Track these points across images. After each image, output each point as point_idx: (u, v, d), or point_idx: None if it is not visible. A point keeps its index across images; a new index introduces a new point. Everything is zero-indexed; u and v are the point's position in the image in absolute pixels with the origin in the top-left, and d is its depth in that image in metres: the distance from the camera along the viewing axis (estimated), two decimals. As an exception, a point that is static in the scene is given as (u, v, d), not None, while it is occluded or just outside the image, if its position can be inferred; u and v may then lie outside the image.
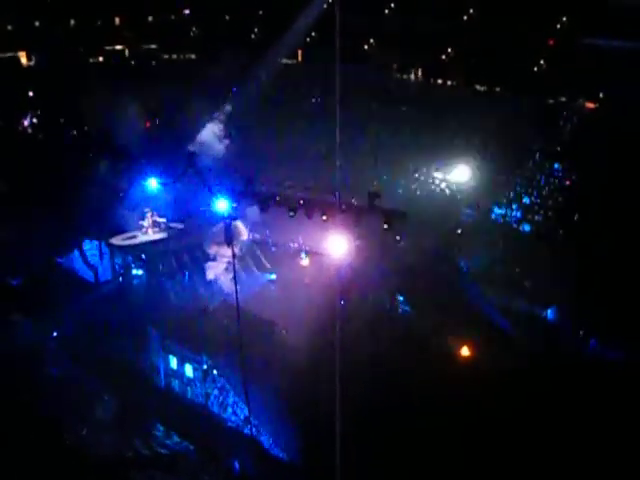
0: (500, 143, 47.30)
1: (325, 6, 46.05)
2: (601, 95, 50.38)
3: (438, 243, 40.90)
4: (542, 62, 54.41)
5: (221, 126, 45.50)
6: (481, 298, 38.07)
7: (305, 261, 40.71)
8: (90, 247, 43.66)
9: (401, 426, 29.04)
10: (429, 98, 55.41)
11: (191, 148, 42.06)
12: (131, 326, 36.88)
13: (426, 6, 56.42)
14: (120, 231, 43.25)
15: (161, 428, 33.55)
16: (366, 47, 61.89)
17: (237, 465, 30.96)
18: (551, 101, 52.07)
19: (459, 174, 48.32)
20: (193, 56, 65.34)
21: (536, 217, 46.21)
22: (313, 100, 55.58)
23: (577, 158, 46.92)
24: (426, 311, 37.71)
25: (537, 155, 48.94)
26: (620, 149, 41.80)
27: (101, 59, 63.76)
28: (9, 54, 59.72)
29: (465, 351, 34.53)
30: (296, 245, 41.62)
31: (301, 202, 33.10)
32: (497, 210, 47.34)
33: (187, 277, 40.56)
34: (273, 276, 40.16)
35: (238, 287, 30.73)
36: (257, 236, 42.15)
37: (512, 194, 47.64)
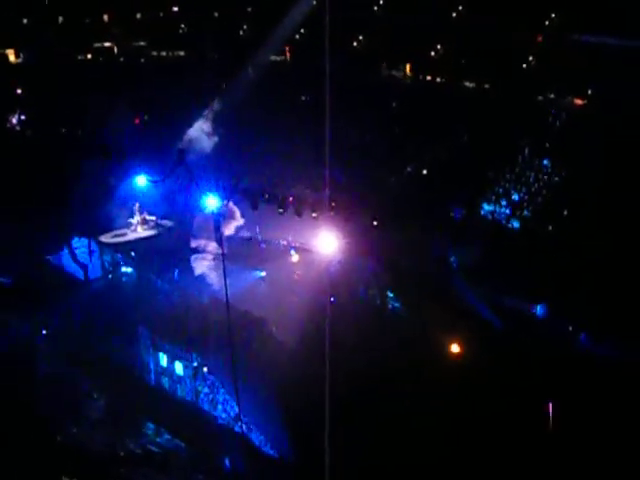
0: (489, 140, 47.42)
1: (314, 3, 46.07)
2: (590, 92, 50.55)
3: (427, 240, 40.92)
4: (530, 59, 54.56)
5: (210, 123, 45.45)
6: (471, 294, 38.12)
7: (295, 258, 40.68)
8: (79, 245, 43.53)
9: (391, 423, 29.12)
10: (418, 95, 55.45)
11: (180, 145, 42.00)
12: (121, 324, 36.83)
13: (415, 3, 56.50)
14: (109, 229, 43.17)
15: (151, 426, 33.50)
16: (355, 44, 61.92)
17: (228, 463, 30.96)
18: (540, 98, 52.21)
19: (446, 170, 48.40)
20: (182, 53, 65.23)
21: (525, 213, 46.35)
22: (302, 97, 55.59)
23: (566, 155, 47.06)
24: (416, 307, 37.79)
25: (526, 152, 49.06)
26: (609, 145, 41.98)
27: (90, 56, 63.55)
28: (-3, 52, 59.56)
29: (455, 347, 34.57)
30: (285, 242, 41.58)
31: (291, 199, 33.14)
32: (486, 207, 47.45)
33: (176, 274, 40.49)
34: (263, 273, 40.11)
35: (228, 284, 30.71)
36: (246, 233, 42.09)
37: (501, 190, 47.76)
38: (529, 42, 54.26)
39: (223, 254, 32.23)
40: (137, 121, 52.02)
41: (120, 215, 43.18)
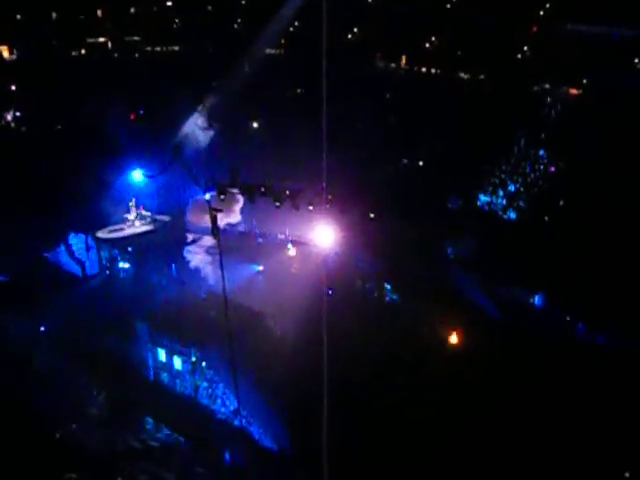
0: (484, 131, 47.34)
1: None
2: (585, 81, 50.51)
3: (425, 231, 40.92)
4: (526, 49, 54.47)
5: (205, 118, 45.39)
6: (468, 285, 38.15)
7: (292, 252, 40.67)
8: (76, 241, 43.49)
9: (390, 414, 29.18)
10: (413, 86, 55.35)
11: (176, 140, 41.97)
12: (119, 320, 36.82)
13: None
14: (106, 224, 43.12)
15: (151, 421, 33.56)
16: (350, 36, 61.78)
17: (228, 456, 31.01)
18: (535, 88, 52.14)
19: (442, 162, 48.36)
20: (176, 48, 65.02)
21: (521, 204, 46.35)
22: (298, 90, 55.49)
23: (562, 145, 47.03)
24: (413, 299, 37.82)
25: (522, 142, 49.03)
26: (604, 135, 41.95)
27: (84, 52, 63.34)
28: (-10, 48, 59.33)
29: (453, 338, 34.64)
30: (282, 236, 41.56)
31: (287, 193, 33.08)
32: (483, 197, 47.46)
33: (174, 269, 40.48)
34: (260, 267, 40.11)
35: (225, 278, 30.66)
36: (244, 227, 42.07)
37: (497, 181, 47.76)
38: (524, 32, 54.16)
39: (220, 248, 32.16)
40: (133, 116, 51.89)
41: (116, 211, 43.13)
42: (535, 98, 50.89)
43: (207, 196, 31.63)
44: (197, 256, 39.56)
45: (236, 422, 32.45)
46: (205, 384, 34.25)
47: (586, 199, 41.12)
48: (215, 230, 31.48)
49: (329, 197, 31.89)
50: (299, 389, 29.02)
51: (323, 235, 30.81)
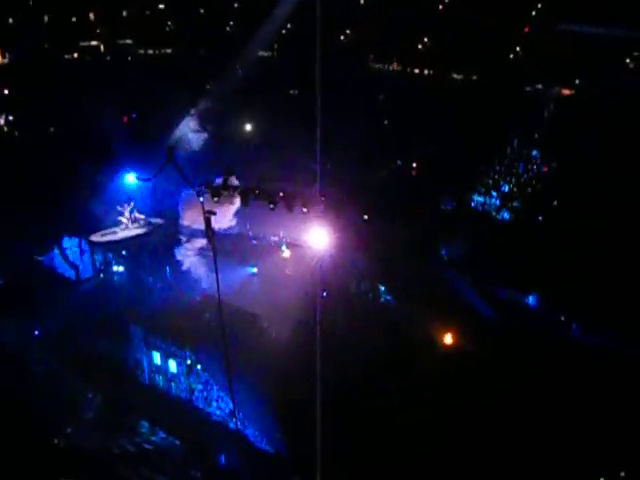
0: (478, 131, 47.43)
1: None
2: (577, 81, 50.68)
3: (419, 232, 40.98)
4: (518, 49, 54.63)
5: (199, 120, 45.41)
6: (463, 286, 38.22)
7: (286, 253, 40.64)
8: (70, 244, 43.44)
9: (385, 416, 29.19)
10: (406, 87, 55.45)
11: (170, 143, 41.96)
12: (113, 323, 36.79)
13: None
14: (99, 228, 43.07)
15: (146, 424, 33.49)
16: (342, 37, 61.89)
17: (223, 459, 30.98)
18: (528, 88, 52.29)
19: (436, 163, 48.46)
20: (169, 50, 65.06)
21: (515, 204, 46.45)
22: (291, 92, 55.56)
23: (555, 145, 47.16)
24: (408, 300, 37.85)
25: (515, 143, 49.14)
26: (596, 135, 42.08)
27: (76, 55, 63.33)
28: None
29: (448, 339, 34.66)
30: (277, 238, 41.54)
31: (281, 194, 33.11)
32: (477, 198, 47.54)
33: (168, 272, 40.46)
34: (254, 269, 40.08)
35: (220, 281, 30.66)
36: (238, 229, 42.05)
37: (491, 182, 47.85)
38: (516, 33, 54.32)
39: (214, 251, 32.16)
40: (125, 119, 51.90)
41: (110, 214, 43.08)
42: (528, 98, 51.03)
43: (201, 198, 31.67)
44: (191, 259, 39.52)
45: (231, 425, 32.42)
46: (200, 387, 34.20)
47: (579, 199, 41.22)
48: (209, 232, 31.51)
49: (323, 199, 31.93)
50: (294, 390, 29.00)
51: (317, 237, 30.81)
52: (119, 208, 42.85)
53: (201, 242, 39.30)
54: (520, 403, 29.52)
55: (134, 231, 43.08)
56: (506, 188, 47.34)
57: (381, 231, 39.11)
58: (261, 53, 56.01)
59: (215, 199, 34.04)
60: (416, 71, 58.67)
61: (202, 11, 63.92)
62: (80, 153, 44.04)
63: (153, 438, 32.82)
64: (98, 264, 42.92)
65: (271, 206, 34.26)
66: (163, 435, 32.91)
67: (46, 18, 62.49)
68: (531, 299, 38.45)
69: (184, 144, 43.58)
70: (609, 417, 28.19)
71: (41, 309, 38.44)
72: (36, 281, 40.91)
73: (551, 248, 38.30)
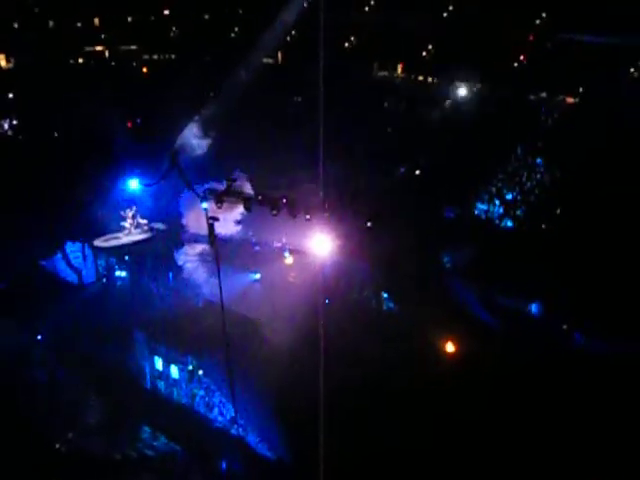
0: (482, 139, 47.45)
1: (305, 5, 46.11)
2: (581, 90, 50.70)
3: (421, 240, 40.96)
4: (522, 58, 54.69)
5: (203, 126, 45.44)
6: (465, 294, 38.18)
7: (289, 260, 40.63)
8: (73, 249, 43.48)
9: (387, 423, 29.16)
10: (410, 95, 55.51)
11: (173, 148, 42.01)
12: (116, 328, 36.79)
13: (406, 3, 56.54)
14: (103, 233, 43.12)
15: (148, 430, 33.47)
16: (347, 45, 61.98)
17: (224, 465, 30.96)
18: (532, 97, 52.31)
19: (440, 170, 48.44)
20: (173, 56, 65.17)
21: (518, 212, 46.43)
22: (295, 99, 55.61)
23: (558, 153, 47.15)
24: (411, 308, 37.82)
25: (519, 151, 49.15)
26: (600, 143, 42.08)
27: (81, 60, 63.49)
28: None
29: (450, 347, 34.61)
30: (279, 244, 41.54)
31: (284, 201, 33.08)
32: (480, 206, 47.52)
33: (171, 278, 40.47)
34: (257, 276, 40.08)
35: (222, 287, 30.67)
36: (241, 235, 42.05)
37: (494, 190, 47.83)
38: (521, 41, 54.39)
39: (217, 257, 32.17)
40: (130, 125, 51.99)
41: (113, 219, 43.13)
42: (532, 107, 51.05)
43: (204, 205, 31.68)
44: (193, 264, 39.50)
45: (233, 431, 32.39)
46: (202, 392, 34.20)
47: (583, 208, 41.20)
48: (212, 238, 31.55)
49: (326, 205, 31.91)
50: (296, 397, 28.99)
51: (320, 243, 30.81)
52: (122, 213, 42.95)
53: (203, 247, 39.31)
54: (521, 411, 29.49)
55: (137, 236, 43.15)
56: (510, 196, 47.32)
57: (384, 238, 39.08)
58: (266, 60, 56.10)
59: (218, 205, 34.01)
60: (420, 78, 58.74)
61: (207, 17, 64.09)
62: (84, 158, 44.11)
63: (154, 444, 32.81)
64: (101, 269, 43.00)
65: (274, 212, 34.23)
66: (165, 441, 32.90)
67: (51, 23, 62.68)
68: (534, 307, 38.38)
69: (187, 150, 43.57)
70: (610, 424, 28.16)
71: (43, 314, 38.44)
72: (39, 285, 40.92)
73: (554, 256, 38.24)
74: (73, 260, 43.48)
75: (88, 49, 63.93)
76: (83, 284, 43.10)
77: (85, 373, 35.71)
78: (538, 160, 48.29)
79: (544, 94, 51.85)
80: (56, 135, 52.63)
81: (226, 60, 50.99)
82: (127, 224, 43.06)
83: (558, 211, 43.89)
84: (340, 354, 27.36)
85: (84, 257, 43.45)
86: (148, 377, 36.40)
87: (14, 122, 55.14)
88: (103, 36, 64.92)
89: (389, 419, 29.43)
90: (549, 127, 50.07)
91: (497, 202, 47.26)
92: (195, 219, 38.72)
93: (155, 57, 65.37)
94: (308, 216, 32.10)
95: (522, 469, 27.13)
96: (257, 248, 42.33)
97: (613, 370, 31.04)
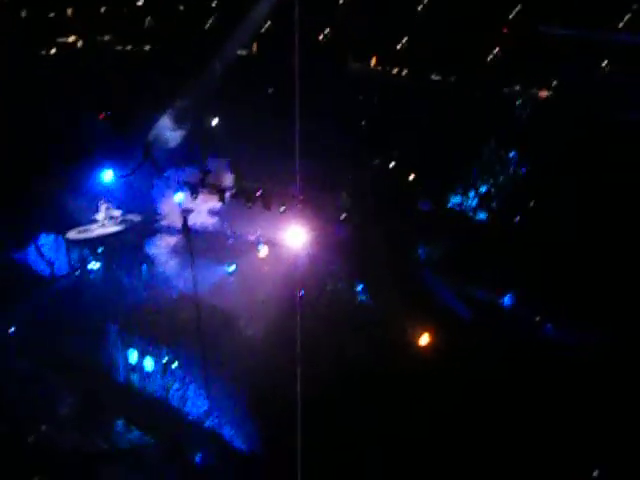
0: (455, 132, 47.54)
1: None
2: (554, 83, 50.91)
3: (395, 232, 41.04)
4: (496, 51, 54.81)
5: (177, 117, 45.20)
6: (439, 286, 38.33)
7: (263, 252, 40.52)
8: (45, 241, 43.10)
9: (362, 415, 29.24)
10: (384, 87, 55.44)
11: (147, 139, 41.76)
12: (89, 321, 36.59)
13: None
14: (75, 224, 42.74)
15: (121, 423, 33.36)
16: (321, 37, 61.79)
17: (199, 458, 30.93)
18: (506, 90, 52.43)
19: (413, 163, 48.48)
20: (147, 47, 64.61)
21: (492, 205, 46.56)
22: (269, 91, 55.37)
23: (532, 146, 47.34)
24: (385, 300, 37.91)
25: (492, 143, 49.24)
26: (573, 136, 42.33)
27: (53, 51, 62.77)
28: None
29: (424, 339, 34.74)
30: (254, 236, 41.41)
31: (259, 194, 33.09)
32: (453, 198, 47.62)
33: (144, 270, 40.25)
34: (232, 268, 39.96)
35: (196, 279, 30.66)
36: (214, 227, 41.91)
37: (468, 183, 47.92)
38: (494, 34, 54.48)
39: (191, 249, 32.12)
40: (102, 116, 51.51)
41: (87, 210, 42.76)
42: (505, 99, 51.18)
43: (177, 198, 31.62)
44: (167, 256, 39.36)
45: (207, 424, 32.37)
46: (176, 385, 34.10)
47: (556, 200, 41.43)
48: (186, 231, 31.50)
49: (300, 198, 31.93)
50: (271, 390, 29.01)
51: (294, 236, 30.83)
52: (96, 205, 42.59)
53: (177, 239, 39.18)
54: (495, 399, 29.70)
55: (111, 228, 42.81)
56: (483, 189, 47.43)
57: (358, 230, 39.15)
58: (240, 51, 55.75)
59: (193, 196, 33.94)
60: (395, 71, 58.65)
61: (181, 8, 63.59)
62: (56, 149, 43.66)
63: (128, 437, 32.71)
64: (73, 261, 42.63)
65: (249, 205, 34.17)
66: (138, 434, 32.80)
67: (23, 13, 61.90)
68: (507, 299, 38.61)
69: (162, 141, 43.30)
70: (584, 415, 28.44)
71: (15, 307, 38.12)
72: (10, 278, 40.53)
73: (527, 249, 38.46)
74: (45, 252, 43.10)
75: (60, 40, 63.14)
76: (55, 276, 42.74)
77: (58, 366, 35.47)
78: (512, 153, 48.44)
79: (518, 87, 51.98)
80: (25, 126, 52.00)
81: (201, 51, 50.63)
82: (100, 216, 42.69)
83: (531, 204, 44.10)
84: (315, 346, 27.39)
85: (57, 249, 43.07)
86: (122, 370, 36.24)
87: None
88: (75, 27, 64.17)
89: (365, 411, 29.51)
90: (523, 120, 50.21)
91: (471, 195, 47.36)
92: (170, 210, 38.63)
93: (129, 48, 64.75)
94: (283, 208, 32.16)
95: (495, 456, 27.36)
96: (231, 240, 42.17)
97: (583, 360, 31.37)
